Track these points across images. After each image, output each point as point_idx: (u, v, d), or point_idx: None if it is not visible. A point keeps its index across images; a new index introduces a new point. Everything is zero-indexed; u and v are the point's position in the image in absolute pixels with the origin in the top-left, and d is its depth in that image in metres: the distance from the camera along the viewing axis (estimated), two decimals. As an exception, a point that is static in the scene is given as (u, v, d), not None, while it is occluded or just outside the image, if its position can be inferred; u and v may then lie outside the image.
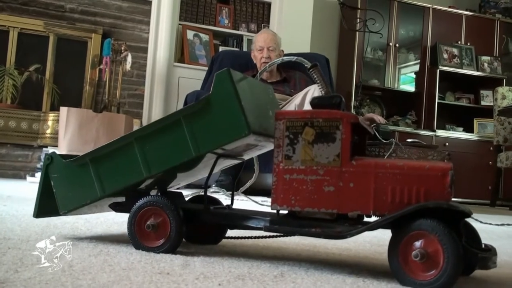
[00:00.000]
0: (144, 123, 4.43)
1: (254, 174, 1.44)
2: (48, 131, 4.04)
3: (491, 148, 5.36)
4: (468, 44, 6.02)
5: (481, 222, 2.25)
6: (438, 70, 5.74)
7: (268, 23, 5.10)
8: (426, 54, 5.86)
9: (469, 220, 0.89)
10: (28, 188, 2.82)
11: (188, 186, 2.89)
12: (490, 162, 5.40)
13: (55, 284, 0.70)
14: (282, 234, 1.07)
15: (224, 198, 2.67)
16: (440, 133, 5.69)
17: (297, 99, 3.25)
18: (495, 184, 5.08)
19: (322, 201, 0.90)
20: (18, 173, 4.09)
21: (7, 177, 3.99)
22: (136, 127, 3.97)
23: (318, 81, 1.03)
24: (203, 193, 1.05)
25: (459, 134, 5.82)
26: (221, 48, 4.86)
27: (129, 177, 1.02)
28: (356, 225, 0.89)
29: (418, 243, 0.82)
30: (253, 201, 2.54)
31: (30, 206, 1.26)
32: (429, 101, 5.78)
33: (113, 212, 1.12)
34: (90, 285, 0.71)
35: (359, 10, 5.31)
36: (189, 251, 1.04)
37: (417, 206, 0.83)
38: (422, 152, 2.70)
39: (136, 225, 1.01)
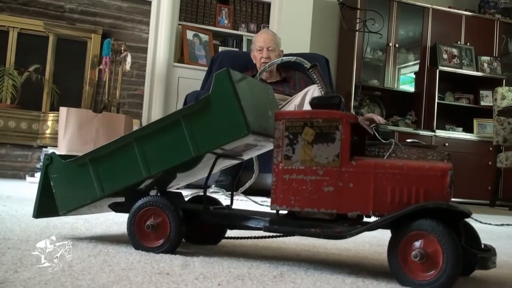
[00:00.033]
0: (144, 123, 4.43)
1: (254, 174, 1.44)
2: (48, 131, 4.04)
3: (491, 148, 5.36)
4: (468, 44, 6.02)
5: (480, 222, 2.25)
6: (437, 70, 5.74)
7: (268, 23, 5.10)
8: (426, 54, 5.86)
9: (468, 220, 0.89)
10: (27, 188, 2.82)
11: (188, 186, 2.89)
12: (490, 162, 5.40)
13: (55, 284, 0.70)
14: (281, 234, 1.07)
15: (223, 198, 2.67)
16: (440, 133, 5.69)
17: (296, 99, 3.25)
18: (495, 184, 5.09)
19: (321, 201, 0.90)
20: (17, 173, 4.09)
21: (7, 177, 3.99)
22: (135, 127, 3.97)
23: (317, 81, 1.03)
24: (202, 193, 1.05)
25: (459, 134, 5.82)
26: (220, 48, 4.86)
27: (129, 177, 1.02)
28: (355, 225, 0.89)
29: (417, 243, 0.82)
30: (253, 201, 2.54)
31: (30, 206, 1.26)
32: (428, 101, 5.78)
33: (113, 213, 1.12)
34: (90, 285, 0.71)
35: (358, 10, 5.31)
36: (188, 251, 1.04)
37: (416, 206, 0.83)
38: (422, 152, 2.70)
39: (136, 225, 1.01)
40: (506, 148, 5.09)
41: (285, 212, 0.95)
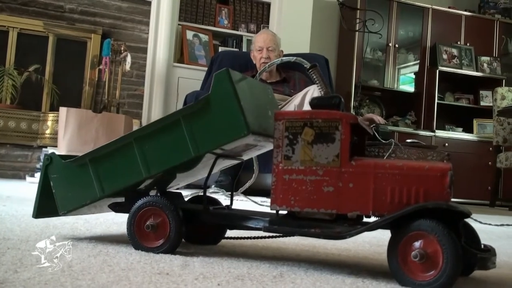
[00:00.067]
0: (144, 123, 4.43)
1: (254, 175, 1.44)
2: (48, 131, 4.04)
3: (491, 148, 5.36)
4: (468, 44, 6.02)
5: (480, 222, 2.25)
6: (437, 71, 5.74)
7: (268, 24, 5.10)
8: (426, 54, 5.86)
9: (468, 220, 0.89)
10: (27, 189, 2.82)
11: (188, 187, 2.89)
12: (490, 163, 5.40)
13: (55, 285, 0.70)
14: (281, 234, 1.07)
15: (223, 199, 2.67)
16: (440, 133, 5.69)
17: (296, 99, 3.25)
18: (495, 184, 5.09)
19: (321, 201, 0.90)
20: (17, 174, 4.09)
21: (7, 178, 3.99)
22: (135, 127, 3.97)
23: (317, 82, 1.03)
24: (202, 194, 1.05)
25: (459, 134, 5.82)
26: (220, 49, 4.86)
27: (129, 177, 1.03)
28: (355, 226, 0.89)
29: (417, 244, 0.82)
30: (253, 201, 2.54)
31: (30, 206, 1.26)
32: (428, 102, 5.78)
33: (113, 213, 1.12)
34: (90, 286, 0.71)
35: (358, 11, 5.31)
36: (188, 251, 1.04)
37: (416, 206, 0.84)
38: (422, 153, 2.70)
39: (136, 225, 1.01)
40: (506, 148, 5.09)
41: (285, 212, 0.95)
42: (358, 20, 5.24)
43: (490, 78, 5.98)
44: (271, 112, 1.04)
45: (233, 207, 1.14)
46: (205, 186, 1.04)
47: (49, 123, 4.04)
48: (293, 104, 3.25)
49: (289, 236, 1.11)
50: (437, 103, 5.73)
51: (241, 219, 1.01)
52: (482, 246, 0.91)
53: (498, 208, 5.07)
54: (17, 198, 2.10)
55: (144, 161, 1.01)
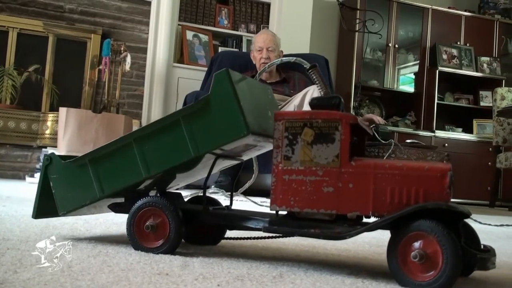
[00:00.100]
0: (144, 123, 4.43)
1: (253, 175, 1.44)
2: (47, 131, 4.04)
3: (490, 148, 5.36)
4: (468, 44, 6.02)
5: (480, 222, 2.26)
6: (437, 71, 5.74)
7: (268, 24, 5.10)
8: (426, 54, 5.86)
9: (468, 220, 0.89)
10: (27, 189, 2.82)
11: (187, 187, 2.89)
12: (489, 163, 5.40)
13: (54, 285, 0.70)
14: (281, 235, 1.07)
15: (223, 199, 2.67)
16: (439, 133, 5.69)
17: (296, 99, 3.25)
18: (494, 184, 5.09)
19: (321, 202, 0.90)
20: (17, 174, 4.09)
21: (6, 178, 3.99)
22: (135, 127, 3.97)
23: (317, 82, 1.03)
24: (202, 194, 1.05)
25: (458, 134, 5.82)
26: (220, 49, 4.86)
27: (128, 177, 1.02)
28: (355, 226, 0.89)
29: (417, 244, 0.82)
30: (252, 201, 2.54)
31: (29, 206, 1.26)
32: (428, 102, 5.79)
33: (112, 213, 1.12)
34: (89, 286, 0.71)
35: (358, 11, 5.31)
36: (188, 251, 1.04)
37: (416, 207, 0.84)
38: (421, 153, 2.70)
39: (135, 225, 1.01)
40: (505, 149, 5.10)
41: (284, 212, 0.95)
42: (358, 20, 5.24)
43: (490, 78, 5.98)
44: (270, 113, 1.04)
45: (233, 207, 1.14)
46: (204, 187, 1.04)
47: (49, 123, 4.04)
48: (292, 104, 3.25)
49: (289, 236, 1.11)
50: (437, 103, 5.73)
51: (241, 219, 1.01)
52: (482, 246, 0.91)
53: (498, 208, 5.07)
54: (17, 198, 2.10)
55: (144, 161, 1.01)
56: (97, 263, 0.86)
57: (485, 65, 6.04)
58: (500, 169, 5.03)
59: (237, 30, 5.05)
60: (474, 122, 6.00)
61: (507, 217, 3.36)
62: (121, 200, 1.09)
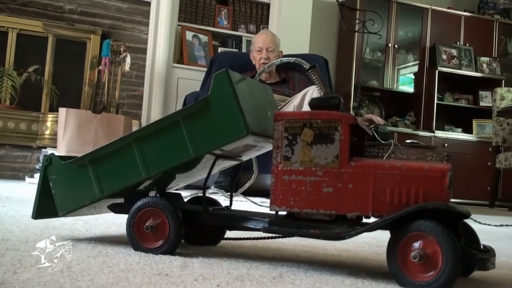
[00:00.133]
0: (143, 124, 4.42)
1: (253, 175, 1.44)
2: (47, 132, 4.04)
3: (490, 149, 5.36)
4: (467, 45, 6.02)
5: (480, 223, 2.26)
6: (437, 71, 5.74)
7: (267, 24, 5.10)
8: (425, 55, 5.86)
9: (467, 221, 0.89)
10: (27, 189, 2.81)
11: (187, 187, 2.89)
12: (489, 163, 5.40)
13: (54, 285, 0.70)
14: (281, 235, 1.07)
15: (223, 199, 2.67)
16: (439, 134, 5.69)
17: (296, 100, 3.25)
18: (494, 185, 5.09)
19: (321, 202, 0.90)
20: (17, 174, 4.09)
21: (6, 178, 3.99)
22: (135, 128, 3.97)
23: (316, 82, 1.03)
24: (202, 194, 1.05)
25: (458, 135, 5.82)
26: (220, 49, 4.85)
27: (128, 178, 1.02)
28: (355, 226, 0.89)
29: (416, 244, 0.82)
30: (252, 202, 2.54)
31: (29, 207, 1.26)
32: (428, 102, 5.79)
33: (112, 213, 1.12)
34: (89, 286, 0.71)
35: (358, 11, 5.32)
36: (188, 252, 1.04)
37: (415, 207, 0.84)
38: (421, 153, 2.70)
39: (135, 226, 1.01)
40: (505, 149, 5.10)
41: (284, 213, 0.95)
42: (357, 20, 5.25)
43: (489, 78, 5.98)
44: (270, 113, 1.04)
45: (233, 207, 1.14)
46: (204, 187, 1.04)
47: (49, 123, 4.04)
48: (292, 104, 3.25)
49: (289, 236, 1.11)
50: (437, 103, 5.73)
51: (241, 219, 1.01)
52: (482, 246, 0.91)
53: (498, 208, 5.07)
54: (17, 199, 2.10)
55: (144, 161, 1.01)
56: (97, 264, 0.86)
57: (484, 65, 6.04)
58: (499, 169, 5.03)
59: (237, 31, 5.05)
60: (474, 122, 6.00)
61: (507, 217, 3.36)
62: (120, 200, 1.09)
